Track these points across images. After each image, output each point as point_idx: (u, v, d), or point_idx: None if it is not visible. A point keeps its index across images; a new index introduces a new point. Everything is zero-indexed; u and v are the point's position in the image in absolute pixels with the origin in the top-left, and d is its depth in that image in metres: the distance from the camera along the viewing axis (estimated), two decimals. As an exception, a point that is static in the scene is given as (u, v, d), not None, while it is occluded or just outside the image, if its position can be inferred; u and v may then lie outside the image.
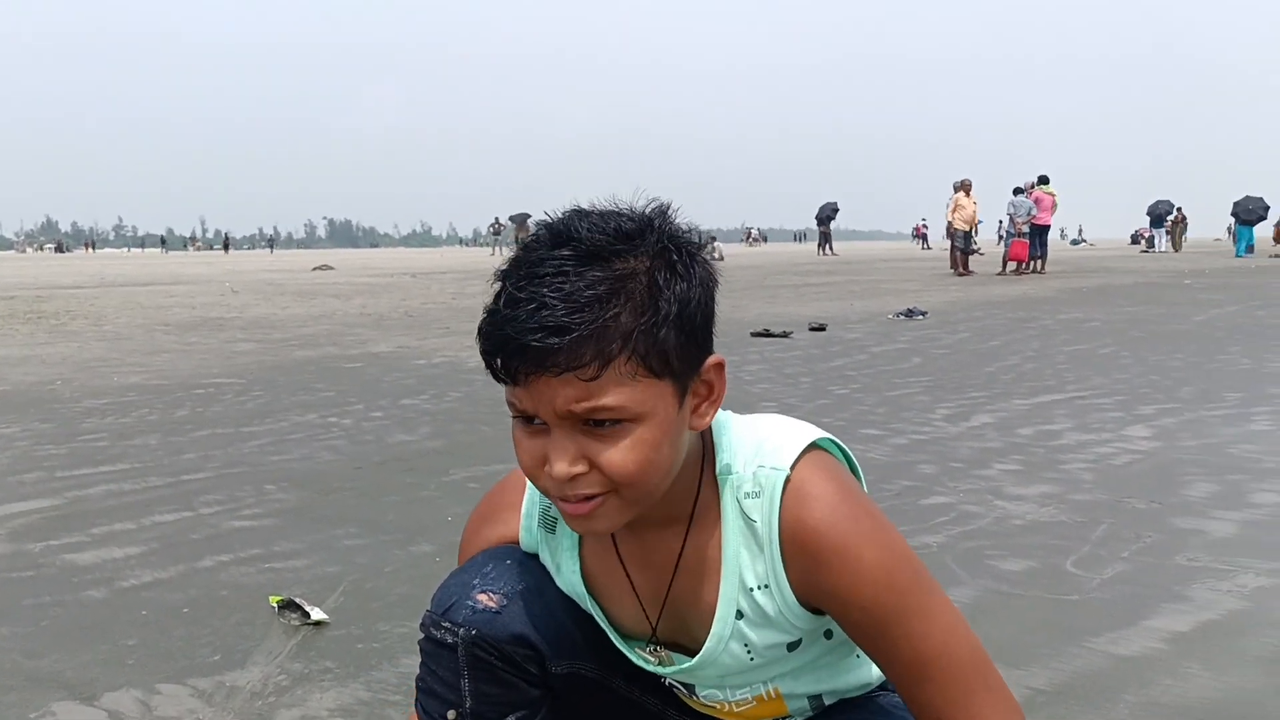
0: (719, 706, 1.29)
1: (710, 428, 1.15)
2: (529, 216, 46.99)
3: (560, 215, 1.05)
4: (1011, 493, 3.72)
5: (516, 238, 45.71)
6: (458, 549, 1.37)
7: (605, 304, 0.97)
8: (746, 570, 1.14)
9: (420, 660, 1.25)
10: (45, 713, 2.11)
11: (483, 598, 1.20)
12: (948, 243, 22.09)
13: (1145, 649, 2.33)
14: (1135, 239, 46.76)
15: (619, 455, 1.00)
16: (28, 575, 2.96)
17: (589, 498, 1.03)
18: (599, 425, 1.00)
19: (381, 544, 3.20)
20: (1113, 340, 8.78)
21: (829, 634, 1.23)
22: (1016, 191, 20.91)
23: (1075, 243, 61.88)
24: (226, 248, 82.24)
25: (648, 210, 1.06)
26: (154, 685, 2.23)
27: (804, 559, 1.10)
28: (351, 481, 4.03)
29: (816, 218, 40.28)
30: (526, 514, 1.28)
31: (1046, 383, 6.43)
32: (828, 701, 1.30)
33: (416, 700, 1.26)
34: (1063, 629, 2.45)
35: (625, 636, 1.26)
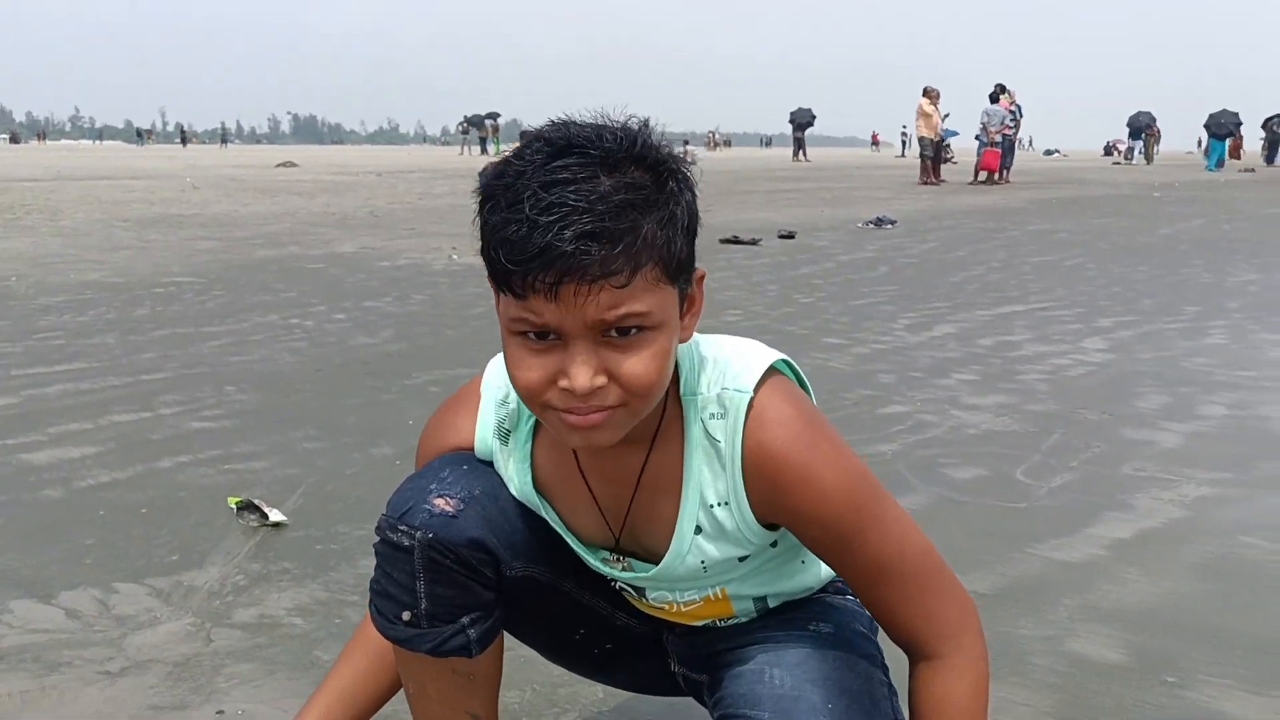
0: (667, 608, 1.32)
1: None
2: (498, 115, 46.05)
3: (548, 126, 1.03)
4: (968, 402, 3.78)
5: (484, 137, 44.92)
6: (415, 453, 1.37)
7: (632, 210, 0.97)
8: (708, 488, 1.16)
9: (375, 563, 1.26)
10: (2, 609, 2.13)
11: (440, 502, 1.20)
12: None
13: (1086, 555, 2.40)
14: (1108, 150, 46.73)
15: (640, 365, 1.01)
16: (-17, 474, 2.95)
17: (600, 410, 1.03)
18: (623, 335, 1.00)
19: (341, 447, 3.21)
20: (1079, 252, 8.84)
21: (774, 544, 1.25)
22: (992, 99, 20.62)
23: (1048, 153, 61.77)
24: (184, 142, 79.97)
25: (631, 125, 1.05)
26: (111, 584, 2.25)
27: (766, 483, 1.12)
28: (312, 384, 4.02)
29: (791, 123, 39.79)
30: (482, 423, 1.28)
31: (1010, 294, 6.48)
32: (772, 604, 1.34)
33: (371, 602, 1.28)
34: (1008, 536, 2.52)
35: (583, 543, 1.28)
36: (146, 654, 1.96)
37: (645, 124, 1.06)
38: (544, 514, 1.27)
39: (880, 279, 7.19)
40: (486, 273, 1.03)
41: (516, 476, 1.26)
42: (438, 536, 1.19)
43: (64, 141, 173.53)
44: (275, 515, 2.58)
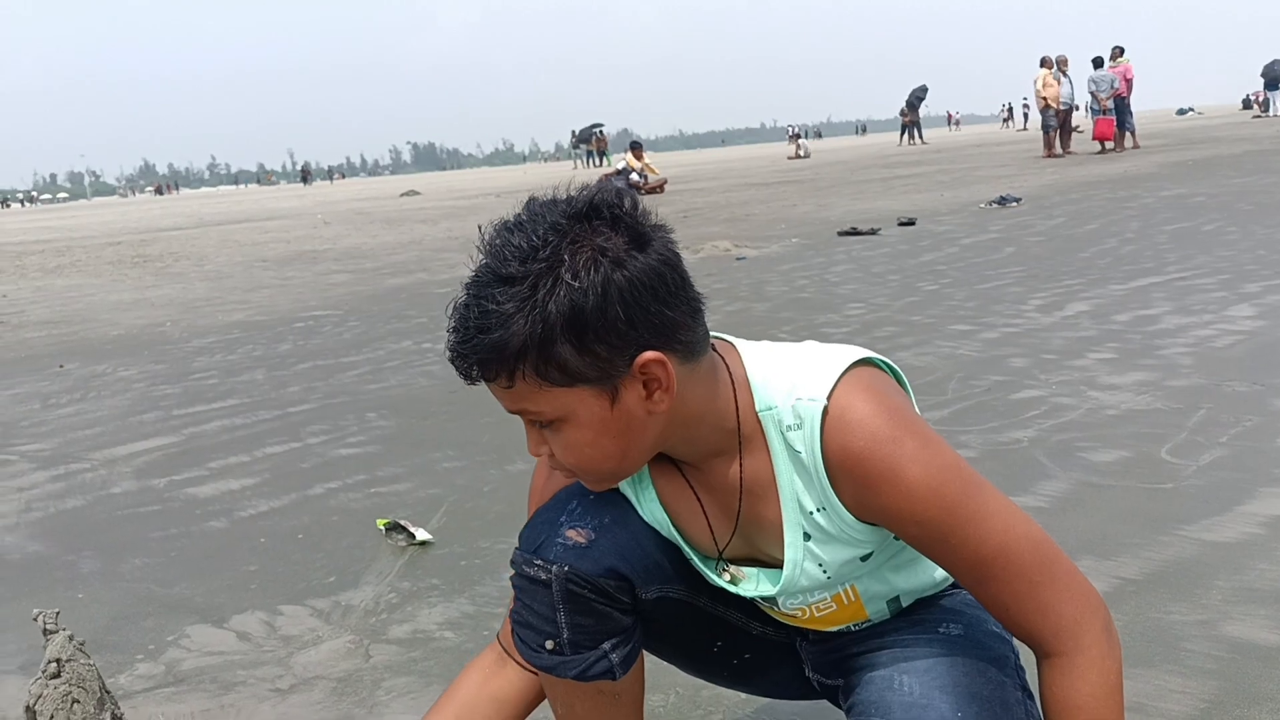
0: (801, 613, 1.33)
1: (742, 364, 1.18)
2: (602, 126, 46.37)
3: (504, 223, 1.10)
4: (1106, 382, 3.66)
5: (591, 151, 45.24)
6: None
7: (501, 325, 1.04)
8: (803, 495, 1.17)
9: (514, 595, 1.31)
10: (181, 635, 2.29)
11: (572, 534, 1.24)
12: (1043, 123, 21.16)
13: (1240, 535, 2.31)
14: (1247, 103, 44.11)
15: (559, 449, 1.13)
16: (155, 509, 3.16)
17: (562, 469, 1.17)
18: (543, 425, 1.11)
19: (478, 464, 3.32)
20: (1218, 215, 8.42)
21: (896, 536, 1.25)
22: (1096, 65, 19.75)
23: (1181, 112, 58.80)
24: (305, 179, 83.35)
25: (573, 206, 1.08)
26: (276, 607, 2.39)
27: (852, 483, 1.13)
28: (447, 406, 4.16)
29: (907, 103, 38.65)
30: None
31: (1145, 265, 6.23)
32: (905, 602, 1.33)
33: (514, 632, 1.32)
34: (1155, 518, 2.44)
35: (703, 558, 1.31)
36: (312, 671, 2.08)
37: (588, 206, 1.07)
38: (669, 533, 1.30)
39: (1007, 260, 7.00)
40: None
41: (643, 496, 1.30)
42: (574, 569, 1.22)
43: (203, 189, 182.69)
44: (421, 534, 2.69)
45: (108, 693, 1.31)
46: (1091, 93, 19.54)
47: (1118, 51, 19.84)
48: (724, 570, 1.29)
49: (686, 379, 1.10)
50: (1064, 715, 1.11)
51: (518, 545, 1.28)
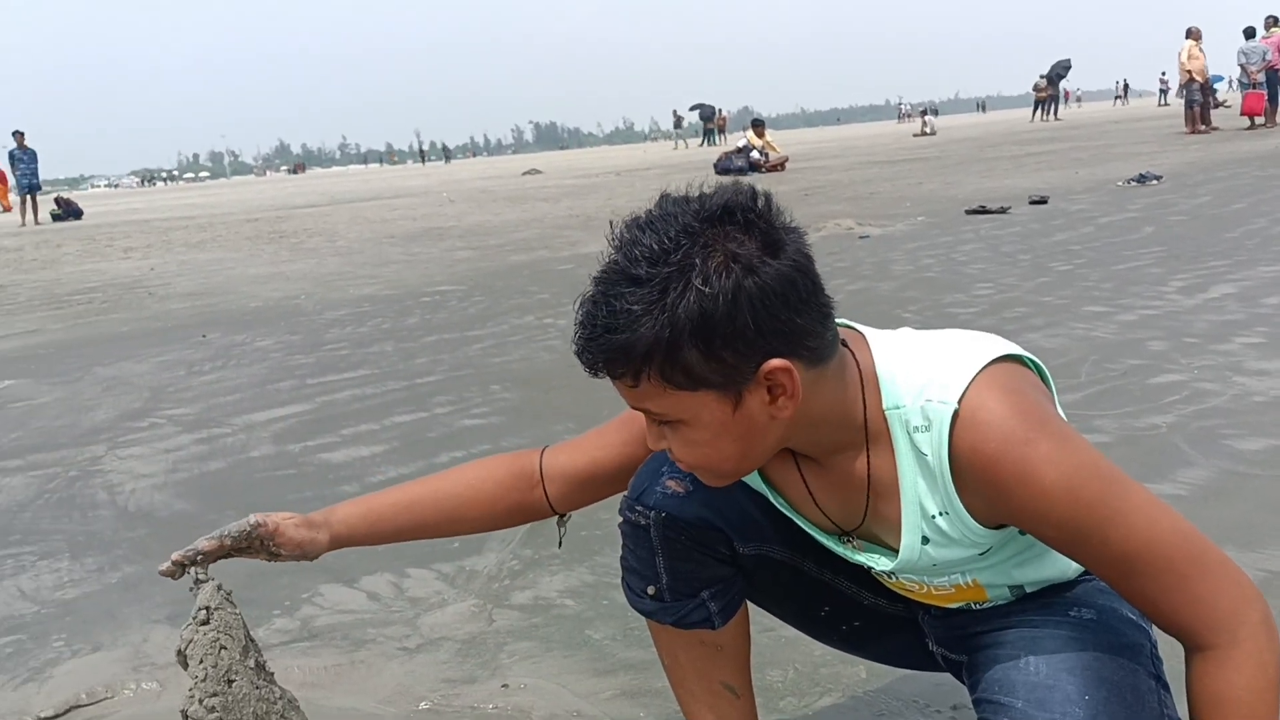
0: (918, 588, 1.31)
1: (873, 360, 1.15)
2: (716, 110, 45.82)
3: (636, 219, 1.09)
4: (1253, 368, 3.48)
5: (708, 130, 44.79)
6: None
7: (625, 329, 1.03)
8: (926, 498, 1.14)
9: (622, 542, 1.36)
10: (315, 594, 2.38)
11: (671, 483, 1.29)
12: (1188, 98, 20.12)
13: (1402, 530, 2.17)
14: None
15: (678, 447, 1.13)
16: (291, 473, 3.30)
17: (690, 467, 1.17)
18: (663, 423, 1.11)
19: (599, 438, 3.35)
20: (1381, 194, 7.89)
21: (1022, 532, 1.22)
22: (1248, 35, 18.61)
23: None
24: (424, 159, 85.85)
25: (706, 208, 1.06)
26: (404, 570, 2.47)
27: (983, 487, 1.09)
28: (567, 379, 4.22)
29: (1046, 77, 37.26)
30: None
31: (1299, 246, 5.88)
32: (1030, 590, 1.29)
33: (622, 579, 1.37)
34: (1306, 510, 2.31)
35: (814, 527, 1.30)
36: (438, 632, 2.15)
37: (722, 208, 1.05)
38: (774, 500, 1.30)
39: (1146, 240, 6.71)
40: None
41: (753, 479, 1.30)
42: (670, 515, 1.28)
43: (334, 168, 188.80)
44: (543, 504, 2.74)
45: (252, 641, 1.37)
46: (1241, 65, 18.48)
47: (1271, 21, 18.69)
48: (849, 541, 1.28)
49: (812, 383, 1.09)
50: (1215, 708, 1.05)
51: (625, 493, 1.34)
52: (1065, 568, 1.28)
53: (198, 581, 1.34)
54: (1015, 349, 1.15)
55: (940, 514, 1.14)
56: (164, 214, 23.88)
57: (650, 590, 1.33)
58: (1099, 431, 2.94)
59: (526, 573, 2.39)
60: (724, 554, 1.31)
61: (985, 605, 1.29)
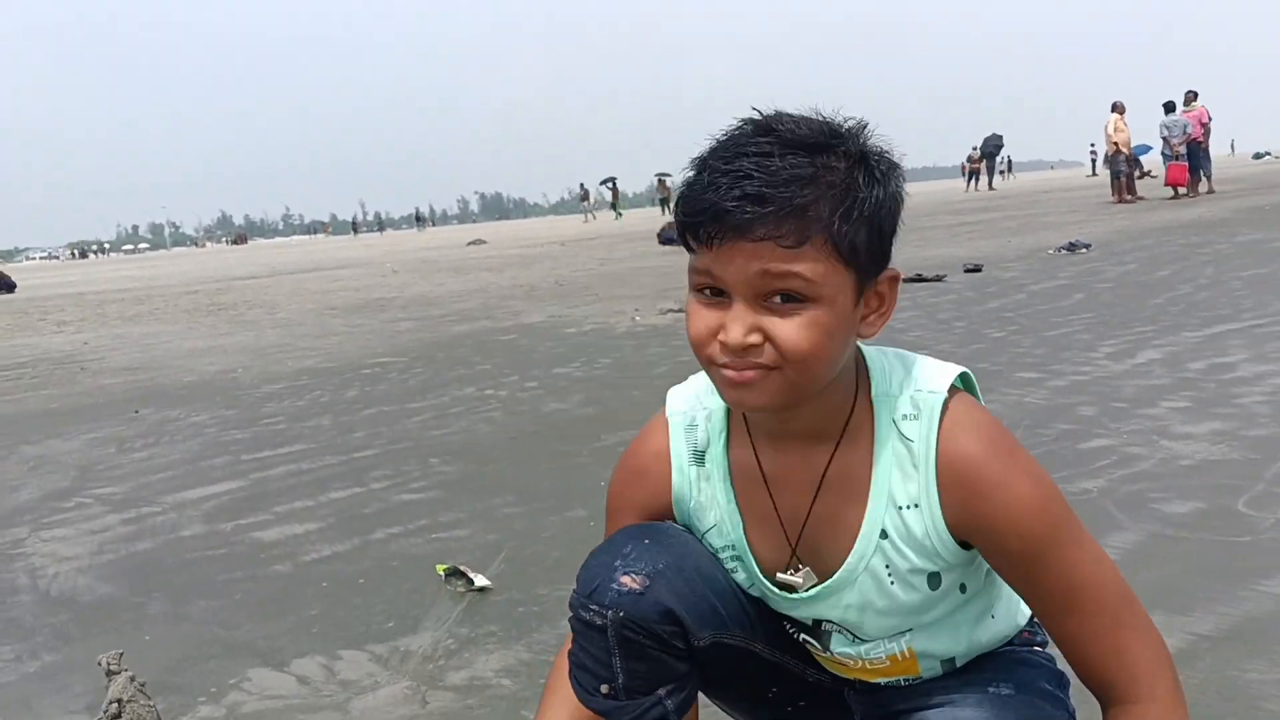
0: (851, 663, 1.31)
1: (863, 353, 1.20)
2: (667, 175, 46.86)
3: (775, 113, 1.11)
4: (1179, 431, 3.56)
5: (663, 198, 45.52)
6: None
7: (807, 185, 1.03)
8: (898, 489, 1.16)
9: (572, 637, 1.31)
10: (242, 679, 2.31)
11: (626, 580, 1.23)
12: (1112, 169, 20.84)
13: (1323, 591, 2.22)
14: (1326, 147, 42.97)
15: (794, 330, 1.05)
16: (221, 553, 3.22)
17: (755, 369, 1.08)
18: (785, 300, 1.05)
19: (537, 511, 3.32)
20: (1297, 261, 8.19)
21: (963, 588, 1.23)
22: (1168, 109, 19.42)
23: (1258, 156, 57.51)
24: (355, 230, 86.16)
25: (848, 122, 1.11)
26: (336, 651, 2.41)
27: (962, 489, 1.12)
28: (508, 452, 4.18)
29: (982, 151, 38.59)
30: (676, 454, 1.31)
31: (1220, 312, 6.07)
32: (960, 664, 1.30)
33: (571, 673, 1.32)
34: (1231, 572, 2.35)
35: (765, 572, 1.29)
36: (370, 717, 2.09)
37: (863, 124, 1.10)
38: (735, 537, 1.28)
39: (1076, 307, 6.88)
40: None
41: (719, 495, 1.29)
42: (628, 614, 1.22)
43: (277, 239, 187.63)
44: (480, 580, 2.70)
45: (168, 733, 1.32)
46: (1164, 138, 19.22)
47: (1191, 96, 19.52)
48: (795, 570, 1.27)
49: (852, 331, 1.11)
50: None
51: (575, 586, 1.28)
52: (995, 639, 1.30)
53: (110, 674, 1.30)
54: (965, 368, 1.22)
55: (911, 506, 1.16)
56: (100, 287, 23.51)
57: (604, 689, 1.27)
58: (1032, 497, 2.97)
59: (462, 652, 2.34)
60: (681, 650, 1.27)
61: (913, 680, 1.29)
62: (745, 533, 1.28)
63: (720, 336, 1.07)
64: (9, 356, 9.70)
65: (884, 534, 1.18)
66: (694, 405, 1.30)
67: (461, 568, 2.77)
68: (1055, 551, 1.10)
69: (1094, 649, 1.11)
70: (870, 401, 1.18)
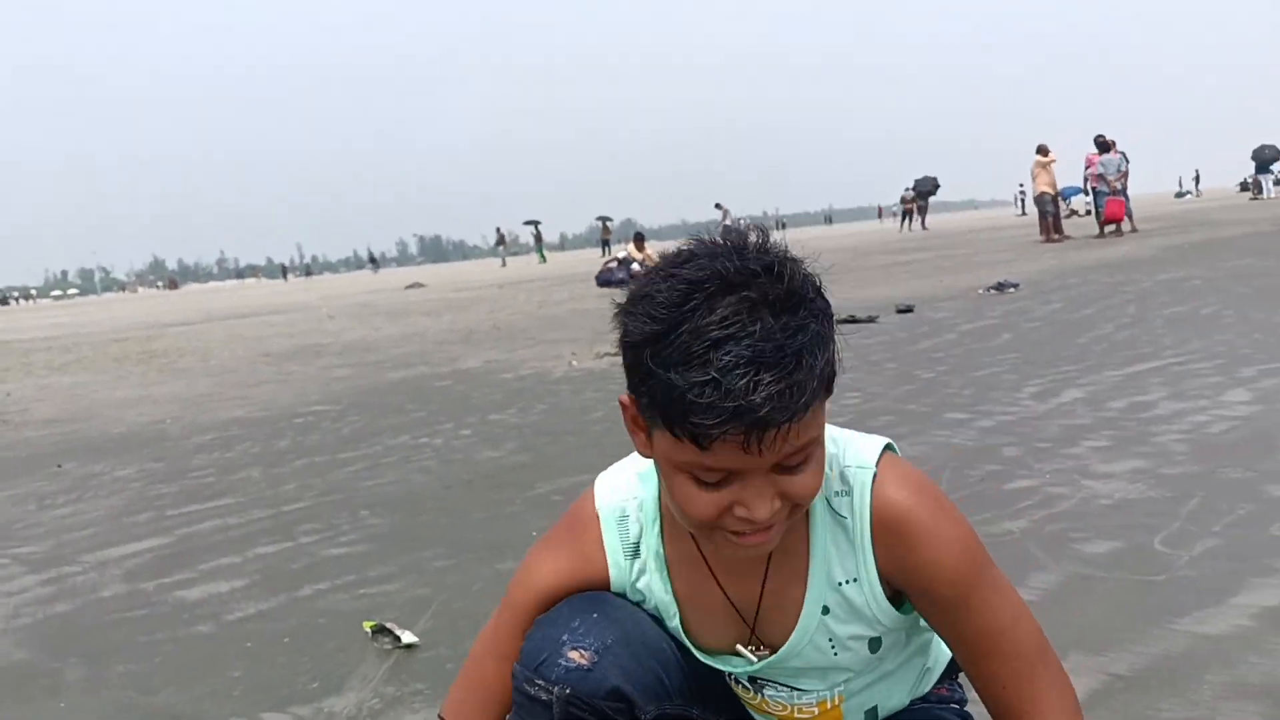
0: (783, 709, 1.33)
1: None
2: (538, 222, 48.65)
3: (681, 255, 1.05)
4: (1100, 471, 3.65)
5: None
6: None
7: (806, 354, 0.98)
8: (835, 566, 1.20)
9: (514, 710, 1.29)
10: (160, 746, 2.25)
11: (574, 655, 1.22)
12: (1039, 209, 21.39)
13: (1233, 627, 2.28)
14: (1244, 186, 44.63)
15: (808, 479, 1.06)
16: (142, 614, 3.14)
17: (769, 526, 1.07)
18: (793, 459, 1.04)
19: (469, 563, 3.30)
20: (1215, 299, 8.46)
21: (904, 644, 1.27)
22: (1104, 148, 20.02)
23: (1180, 195, 59.48)
24: (285, 275, 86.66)
25: (761, 241, 1.08)
26: (258, 715, 2.35)
27: (894, 540, 1.16)
28: (441, 501, 4.15)
29: (916, 191, 39.38)
30: (610, 549, 1.30)
31: (1141, 350, 6.24)
32: (881, 715, 1.33)
33: None
34: (1147, 611, 2.41)
35: (711, 651, 1.30)
36: (290, 783, 2.04)
37: (765, 234, 1.08)
38: (671, 624, 1.29)
39: (1003, 346, 7.03)
40: (639, 406, 1.05)
41: (655, 587, 1.29)
42: (575, 691, 1.21)
43: (211, 284, 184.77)
44: (408, 637, 2.67)
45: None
46: (1100, 174, 19.65)
47: (1111, 142, 20.14)
48: (755, 649, 1.28)
49: None
50: None
51: (519, 659, 1.26)
52: (928, 685, 1.33)
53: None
54: (888, 439, 1.26)
55: (849, 581, 1.19)
56: (27, 334, 22.93)
57: None
58: (958, 539, 3.02)
59: (387, 711, 2.31)
60: None
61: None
62: (681, 621, 1.30)
63: (740, 513, 1.04)
64: (-73, 409, 9.41)
65: (825, 610, 1.21)
66: (624, 497, 1.29)
67: (388, 624, 2.73)
68: (979, 595, 1.15)
69: (1011, 691, 1.16)
70: None
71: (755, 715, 1.39)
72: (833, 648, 1.23)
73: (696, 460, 1.01)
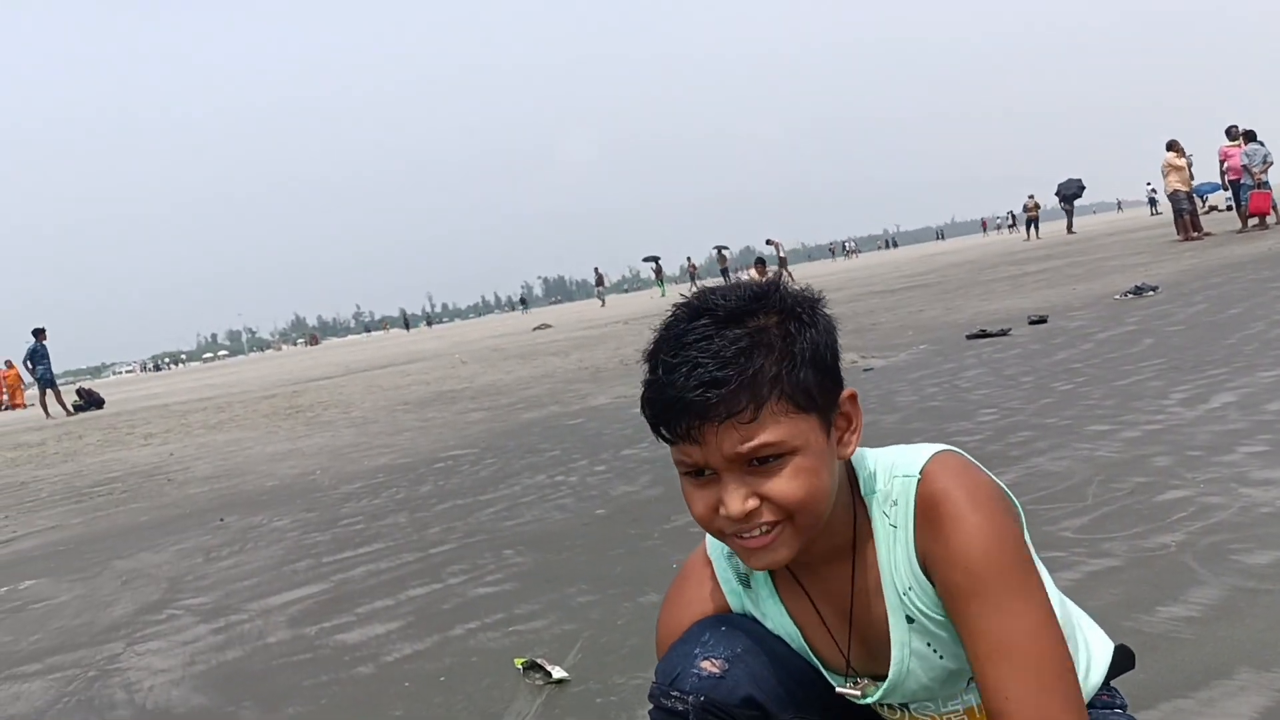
0: (933, 719, 1.33)
1: (853, 462, 1.26)
2: (658, 258, 49.83)
3: (700, 291, 1.22)
4: (1258, 478, 3.48)
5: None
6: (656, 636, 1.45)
7: (749, 356, 1.12)
8: (897, 575, 1.22)
9: None
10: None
11: (706, 665, 1.28)
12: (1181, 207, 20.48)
13: None
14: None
15: (785, 484, 1.13)
16: (306, 658, 3.30)
17: (767, 530, 1.15)
18: (763, 463, 1.13)
19: (611, 598, 3.36)
20: (1375, 288, 7.97)
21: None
22: (1249, 138, 19.04)
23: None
24: (407, 325, 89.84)
25: (764, 281, 1.22)
26: (420, 751, 2.45)
27: (928, 523, 1.19)
28: (581, 538, 4.23)
29: (1058, 194, 37.94)
30: (724, 580, 1.38)
31: (1297, 348, 5.93)
32: None
33: None
34: (1319, 624, 2.30)
35: (831, 671, 1.34)
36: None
37: (776, 281, 1.21)
38: (799, 647, 1.33)
39: (1145, 353, 6.77)
40: None
41: (771, 611, 1.34)
42: (710, 699, 1.26)
43: (349, 337, 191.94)
44: (558, 672, 2.74)
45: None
46: (1244, 165, 18.71)
47: (1251, 134, 19.20)
48: (854, 684, 1.31)
49: (830, 453, 1.18)
50: None
51: (654, 678, 1.32)
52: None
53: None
54: (951, 448, 1.27)
55: (908, 589, 1.21)
56: (184, 397, 24.25)
57: None
58: (1109, 555, 2.93)
59: (543, 746, 2.37)
60: None
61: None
62: (805, 640, 1.33)
63: (721, 511, 1.15)
64: (101, 472, 10.05)
65: (909, 619, 1.22)
66: None
67: (539, 660, 2.80)
68: (996, 597, 1.12)
69: (1014, 705, 1.10)
70: (865, 504, 1.25)
71: None
72: (937, 652, 1.24)
73: (677, 457, 1.16)
